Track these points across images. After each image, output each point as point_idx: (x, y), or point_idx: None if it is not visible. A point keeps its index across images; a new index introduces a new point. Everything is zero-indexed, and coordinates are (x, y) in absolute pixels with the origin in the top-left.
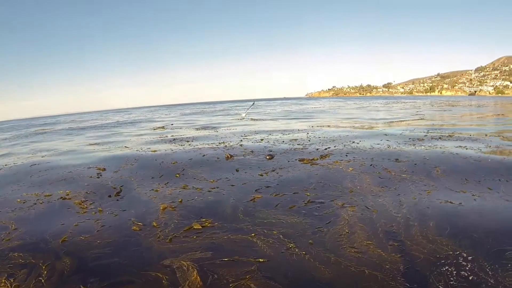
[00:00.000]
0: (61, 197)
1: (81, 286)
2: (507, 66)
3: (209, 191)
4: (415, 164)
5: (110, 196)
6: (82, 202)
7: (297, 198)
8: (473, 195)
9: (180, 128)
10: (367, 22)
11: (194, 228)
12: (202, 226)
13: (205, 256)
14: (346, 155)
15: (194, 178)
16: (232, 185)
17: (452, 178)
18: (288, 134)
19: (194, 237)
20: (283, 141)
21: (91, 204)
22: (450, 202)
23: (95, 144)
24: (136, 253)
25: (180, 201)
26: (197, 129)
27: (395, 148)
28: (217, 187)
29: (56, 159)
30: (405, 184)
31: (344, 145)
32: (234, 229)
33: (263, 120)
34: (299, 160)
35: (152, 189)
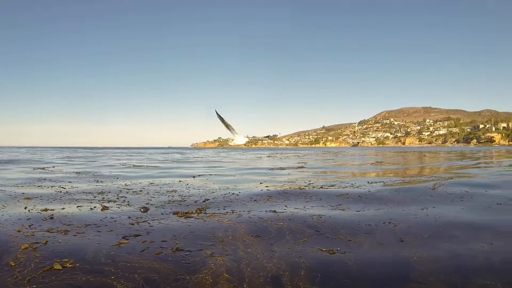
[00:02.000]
0: None
1: None
2: (387, 119)
3: (75, 236)
4: (292, 213)
5: None
6: None
7: (165, 246)
8: (348, 240)
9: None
10: (253, 75)
11: (54, 269)
12: (62, 267)
13: None
14: (224, 208)
15: (62, 223)
16: (99, 231)
17: (328, 225)
18: (169, 184)
19: (53, 277)
20: (162, 193)
21: None
22: (324, 250)
23: None
24: None
25: (45, 243)
26: (77, 173)
27: (275, 200)
28: (84, 232)
29: None
30: (280, 234)
31: (224, 196)
32: (95, 271)
33: (145, 167)
34: (173, 213)
35: (15, 229)
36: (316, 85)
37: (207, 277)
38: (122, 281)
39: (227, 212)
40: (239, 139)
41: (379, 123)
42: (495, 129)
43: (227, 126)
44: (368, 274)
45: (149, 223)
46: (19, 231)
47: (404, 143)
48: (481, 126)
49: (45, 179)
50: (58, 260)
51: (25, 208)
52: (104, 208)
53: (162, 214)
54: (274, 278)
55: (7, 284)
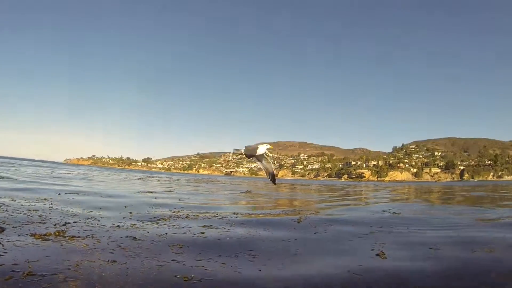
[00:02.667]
0: None
1: None
2: None
3: None
4: (153, 241)
5: None
6: None
7: (16, 270)
8: (205, 269)
9: None
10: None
11: None
12: None
13: None
14: (84, 232)
15: None
16: None
17: (190, 253)
18: (31, 202)
19: None
20: (22, 211)
21: None
22: (181, 277)
23: None
24: None
25: None
26: None
27: (137, 227)
28: None
29: None
30: (137, 260)
31: (86, 220)
32: None
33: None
34: (30, 235)
35: None
36: (194, 112)
37: None
38: None
39: (87, 237)
40: (261, 149)
41: None
42: (366, 166)
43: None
44: None
45: (3, 245)
46: None
47: (277, 175)
48: (353, 162)
49: None
50: None
51: None
52: None
53: (19, 235)
54: None
55: None
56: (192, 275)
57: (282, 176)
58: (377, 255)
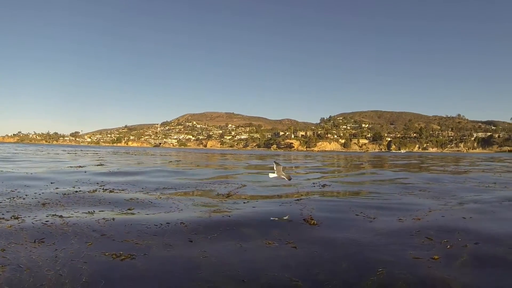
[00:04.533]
0: None
1: None
2: (190, 122)
3: None
4: (79, 219)
5: None
6: None
7: None
8: (135, 243)
9: None
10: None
11: None
12: None
13: None
14: (8, 212)
15: None
16: None
17: (117, 227)
18: None
19: None
20: None
21: None
22: (110, 254)
23: None
24: None
25: None
26: None
27: (63, 204)
28: None
29: None
30: (65, 238)
31: (10, 199)
32: None
33: None
34: None
35: None
36: (119, 85)
37: None
38: None
39: (11, 218)
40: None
41: (181, 125)
42: (294, 136)
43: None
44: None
45: None
46: None
47: (206, 146)
48: (282, 133)
49: None
50: None
51: None
52: None
53: None
54: (55, 287)
55: None
56: (121, 252)
57: (211, 146)
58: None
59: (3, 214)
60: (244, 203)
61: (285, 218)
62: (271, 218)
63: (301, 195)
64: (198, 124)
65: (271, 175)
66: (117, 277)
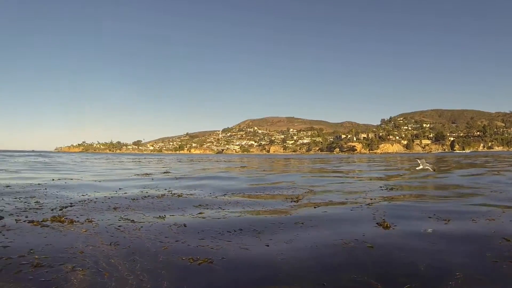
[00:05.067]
0: None
1: None
2: (251, 127)
3: None
4: (151, 224)
5: None
6: None
7: (24, 262)
8: (211, 248)
9: None
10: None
11: None
12: None
13: None
14: (82, 216)
15: None
16: None
17: (191, 233)
18: (26, 190)
19: None
20: (19, 199)
21: None
22: (187, 258)
23: None
24: None
25: None
26: None
27: (133, 208)
28: None
29: None
30: (140, 242)
31: (82, 204)
32: None
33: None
34: (28, 222)
35: None
36: (181, 93)
37: None
38: None
39: (85, 221)
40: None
41: (243, 131)
42: (356, 139)
43: None
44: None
45: (3, 234)
46: None
47: (268, 151)
48: (343, 136)
49: None
50: None
51: None
52: None
53: (18, 222)
54: None
55: None
56: (198, 256)
57: (274, 151)
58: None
59: (77, 218)
60: (314, 207)
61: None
62: (343, 220)
63: (371, 199)
64: (259, 129)
65: (418, 168)
66: (197, 281)
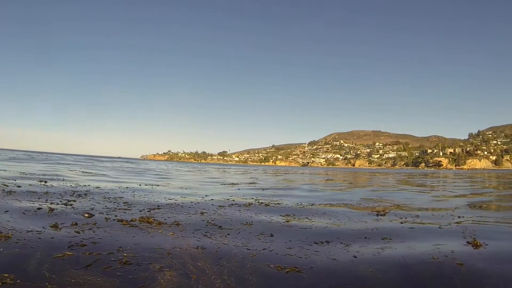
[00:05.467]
0: None
1: None
2: (337, 141)
3: (16, 243)
4: (239, 231)
5: None
6: None
7: (112, 259)
8: (299, 257)
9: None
10: (203, 93)
11: None
12: (2, 283)
13: None
14: (169, 218)
15: (3, 227)
16: (42, 238)
17: (279, 242)
18: (114, 191)
19: None
20: (108, 199)
21: None
22: (274, 266)
23: None
24: None
25: None
26: (22, 173)
27: (220, 214)
28: (25, 239)
29: None
30: (227, 248)
31: (170, 207)
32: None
33: (93, 174)
34: (118, 221)
35: None
36: (267, 104)
37: None
38: None
39: (173, 224)
40: None
41: (329, 144)
42: (443, 154)
43: None
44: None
45: (94, 231)
46: None
47: (354, 165)
48: (429, 150)
49: None
50: None
51: None
52: (50, 210)
53: (107, 221)
54: None
55: None
56: (285, 265)
57: (359, 165)
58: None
59: (165, 220)
60: (401, 223)
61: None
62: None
63: (458, 216)
64: (345, 143)
65: None
66: (293, 286)
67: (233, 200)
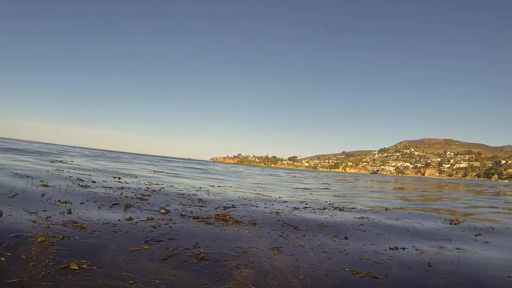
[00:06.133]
0: None
1: None
2: (408, 149)
3: (91, 233)
4: (314, 233)
5: None
6: None
7: (189, 254)
8: (374, 262)
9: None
10: (276, 96)
11: (71, 268)
12: (79, 267)
13: None
14: (245, 217)
15: (79, 217)
16: (117, 232)
17: (353, 246)
18: (188, 189)
19: (69, 277)
20: (182, 196)
21: None
22: (349, 270)
23: None
24: None
25: (61, 238)
26: (98, 170)
27: (295, 215)
28: (100, 231)
29: None
30: (303, 250)
31: (245, 207)
32: (113, 275)
33: (165, 173)
34: (193, 218)
35: (31, 220)
36: (337, 111)
37: None
38: (141, 286)
39: (249, 223)
40: None
41: (399, 152)
42: None
43: None
44: None
45: (170, 227)
46: (35, 221)
47: (423, 174)
48: (503, 161)
49: (63, 170)
50: (75, 260)
51: (42, 196)
52: (127, 206)
53: (183, 217)
54: None
55: (21, 276)
56: (360, 270)
57: (429, 175)
58: None
59: (241, 218)
60: (475, 235)
61: None
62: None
63: None
64: (416, 151)
65: None
66: None
67: (307, 203)
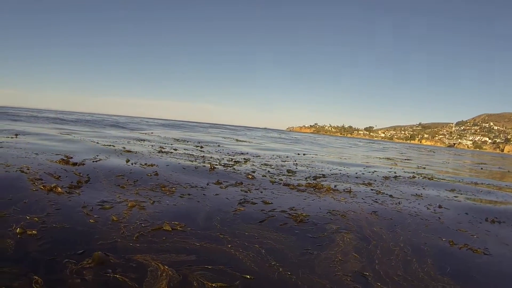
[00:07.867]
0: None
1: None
2: (487, 123)
3: (181, 197)
4: (409, 201)
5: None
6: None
7: (286, 216)
8: (471, 235)
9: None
10: (356, 67)
11: (163, 229)
12: (172, 229)
13: (179, 260)
14: (337, 186)
15: (167, 181)
16: (206, 195)
17: (448, 215)
18: (274, 159)
19: (164, 238)
20: (269, 165)
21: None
22: (446, 240)
23: None
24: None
25: (152, 203)
26: (177, 139)
27: (387, 185)
28: (191, 194)
29: None
30: (401, 216)
31: (335, 176)
32: (209, 237)
33: (247, 142)
34: (284, 185)
35: (118, 185)
36: (415, 81)
37: (337, 255)
38: (241, 250)
39: (343, 191)
40: None
41: (477, 126)
42: None
43: None
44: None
45: (261, 192)
46: (122, 187)
47: (502, 150)
48: None
49: (144, 140)
50: (167, 222)
51: (127, 161)
52: (212, 168)
53: (273, 184)
54: (404, 264)
55: (114, 238)
56: (458, 241)
57: (508, 151)
58: None
59: (335, 186)
60: None
61: None
62: None
63: None
64: (495, 125)
65: None
66: (459, 264)
67: (395, 173)
